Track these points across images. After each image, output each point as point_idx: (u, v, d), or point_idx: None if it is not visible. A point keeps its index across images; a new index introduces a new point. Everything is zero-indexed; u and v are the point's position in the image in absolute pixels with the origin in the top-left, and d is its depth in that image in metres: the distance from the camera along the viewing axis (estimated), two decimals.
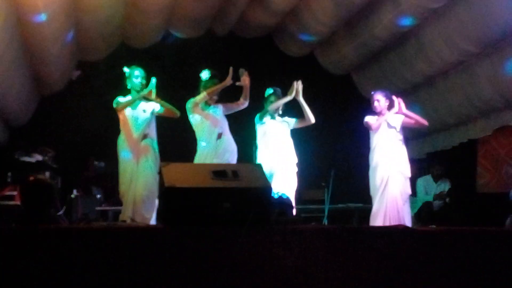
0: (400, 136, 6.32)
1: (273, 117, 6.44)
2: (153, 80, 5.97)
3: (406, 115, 6.31)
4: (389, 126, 6.31)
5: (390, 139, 6.28)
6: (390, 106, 6.36)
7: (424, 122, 6.40)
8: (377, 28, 7.47)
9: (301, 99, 6.33)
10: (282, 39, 8.82)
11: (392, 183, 6.15)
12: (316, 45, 8.75)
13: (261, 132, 6.40)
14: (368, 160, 6.36)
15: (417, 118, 6.35)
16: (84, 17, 6.93)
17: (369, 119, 6.36)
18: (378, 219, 6.13)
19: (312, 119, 6.43)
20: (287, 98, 6.35)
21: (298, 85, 6.31)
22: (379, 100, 6.33)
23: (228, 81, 6.07)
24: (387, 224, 6.03)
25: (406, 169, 6.28)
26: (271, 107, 6.34)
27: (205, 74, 6.22)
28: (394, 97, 6.31)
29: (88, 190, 7.68)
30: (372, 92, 6.49)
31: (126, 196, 5.93)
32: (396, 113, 6.28)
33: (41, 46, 6.62)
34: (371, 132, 6.37)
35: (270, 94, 6.43)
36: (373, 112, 6.40)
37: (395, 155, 6.23)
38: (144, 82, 6.04)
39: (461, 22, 6.63)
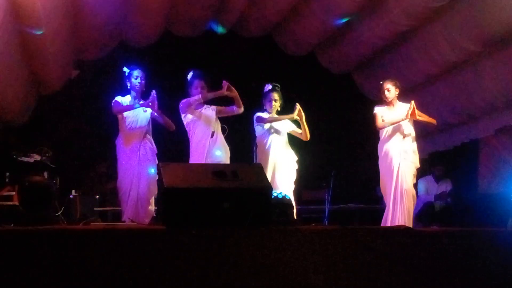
0: (410, 129, 6.18)
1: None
2: (154, 92, 5.96)
3: (419, 121, 6.19)
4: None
5: (400, 131, 6.16)
6: (400, 95, 6.26)
7: (434, 122, 6.33)
8: (378, 27, 7.43)
9: (304, 121, 6.28)
10: (282, 38, 8.78)
11: (404, 175, 6.03)
12: (316, 45, 8.71)
13: (260, 130, 6.35)
14: (377, 151, 6.24)
15: (428, 120, 6.27)
16: (83, 16, 6.90)
17: (378, 113, 6.19)
18: (392, 212, 6.00)
19: (308, 137, 6.34)
20: (288, 117, 6.28)
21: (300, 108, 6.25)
22: (389, 89, 6.22)
23: (222, 92, 6.08)
24: (397, 218, 5.92)
25: (416, 160, 6.16)
26: (270, 119, 6.27)
27: (190, 75, 6.23)
28: (412, 102, 6.09)
29: (89, 191, 7.65)
30: (381, 82, 6.32)
31: (127, 196, 5.93)
32: (410, 119, 6.16)
33: (40, 46, 6.58)
34: None
35: (270, 91, 6.34)
36: (383, 101, 6.29)
37: (405, 146, 6.11)
38: (143, 82, 6.05)
39: (463, 21, 6.60)
